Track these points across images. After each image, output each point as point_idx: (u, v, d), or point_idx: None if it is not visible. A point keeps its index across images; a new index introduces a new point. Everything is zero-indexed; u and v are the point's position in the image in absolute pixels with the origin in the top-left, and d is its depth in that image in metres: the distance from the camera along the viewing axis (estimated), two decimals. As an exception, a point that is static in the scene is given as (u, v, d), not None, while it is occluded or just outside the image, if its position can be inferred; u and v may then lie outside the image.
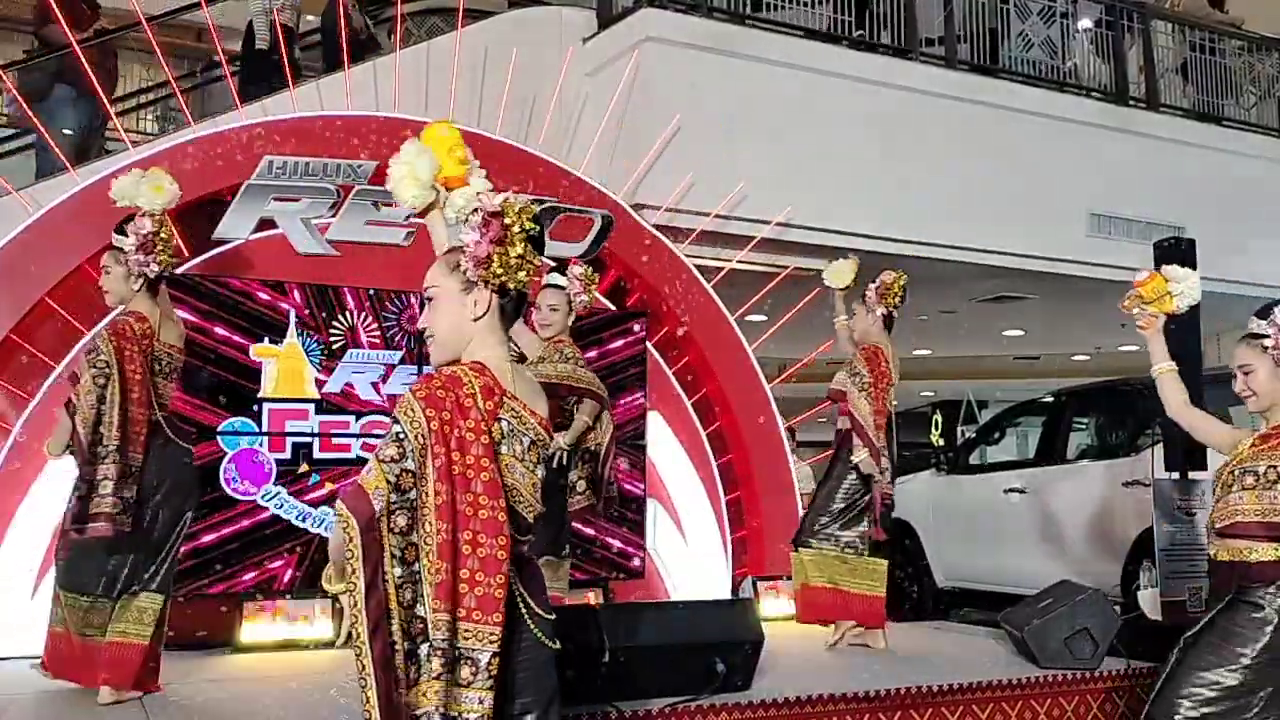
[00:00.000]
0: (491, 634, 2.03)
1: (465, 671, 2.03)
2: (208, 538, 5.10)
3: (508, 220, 2.15)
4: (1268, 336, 3.19)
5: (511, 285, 2.18)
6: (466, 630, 2.03)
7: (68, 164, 5.57)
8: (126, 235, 3.93)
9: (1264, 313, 3.25)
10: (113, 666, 3.84)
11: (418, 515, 2.04)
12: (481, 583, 2.03)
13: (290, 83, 6.18)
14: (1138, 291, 3.66)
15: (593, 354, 6.02)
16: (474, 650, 2.03)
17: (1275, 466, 3.12)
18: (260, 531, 5.24)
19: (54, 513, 4.17)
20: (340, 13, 6.67)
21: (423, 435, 2.04)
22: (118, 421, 3.79)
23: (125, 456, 3.81)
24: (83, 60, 5.91)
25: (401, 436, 2.03)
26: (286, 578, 5.26)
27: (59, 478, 4.18)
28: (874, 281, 5.13)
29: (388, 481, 2.01)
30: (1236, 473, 3.19)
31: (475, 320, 2.19)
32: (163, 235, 3.96)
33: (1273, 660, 3.10)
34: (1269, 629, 3.09)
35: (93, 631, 3.88)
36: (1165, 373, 3.58)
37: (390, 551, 2.01)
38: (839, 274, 5.36)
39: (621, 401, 6.10)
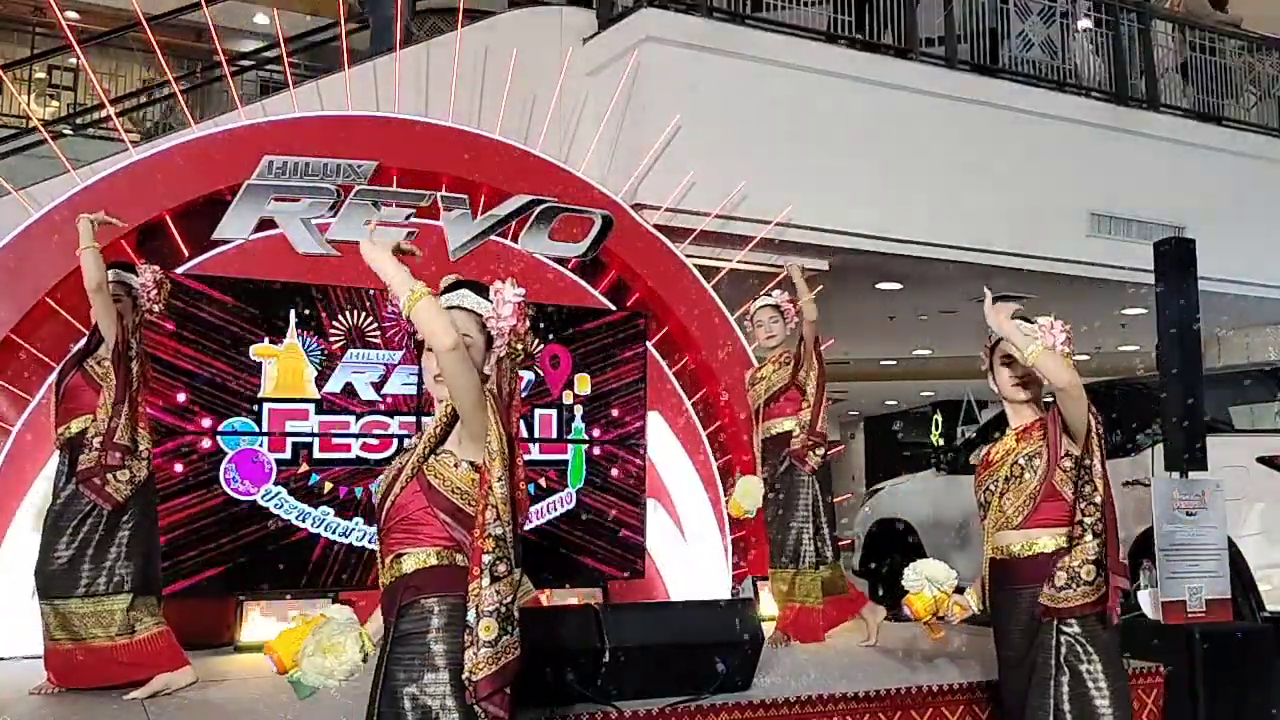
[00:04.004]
0: None
1: None
2: (208, 536, 5.10)
3: (529, 311, 2.65)
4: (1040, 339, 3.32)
5: (517, 356, 2.65)
6: None
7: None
8: (137, 274, 4.19)
9: (1030, 319, 3.37)
10: (151, 660, 3.96)
11: None
12: None
13: (290, 82, 6.19)
14: (923, 621, 3.65)
15: (594, 353, 6.04)
16: None
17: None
18: (260, 531, 5.24)
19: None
20: (341, 8, 6.67)
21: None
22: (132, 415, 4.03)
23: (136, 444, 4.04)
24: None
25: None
26: (287, 577, 5.26)
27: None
28: (783, 294, 5.37)
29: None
30: (1022, 460, 3.36)
31: (482, 375, 2.54)
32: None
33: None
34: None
35: (102, 636, 3.92)
36: (973, 597, 3.66)
37: None
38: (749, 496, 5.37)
39: (622, 401, 6.11)
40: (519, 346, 2.63)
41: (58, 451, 4.12)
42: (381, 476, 2.61)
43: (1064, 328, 3.35)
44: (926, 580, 3.59)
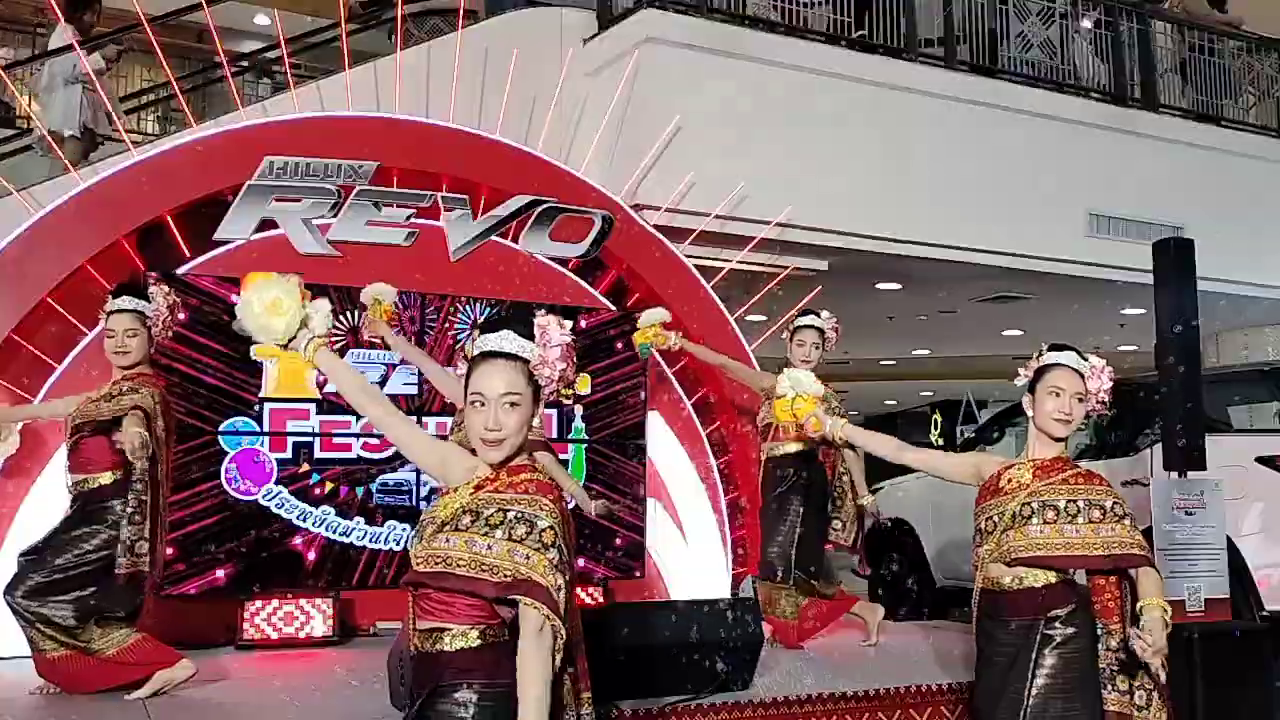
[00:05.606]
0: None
1: None
2: (209, 537, 5.13)
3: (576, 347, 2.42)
4: (1084, 377, 3.24)
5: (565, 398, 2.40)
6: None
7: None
8: (149, 300, 4.06)
9: (1084, 355, 3.30)
10: (146, 659, 3.94)
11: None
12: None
13: (291, 83, 6.20)
14: (787, 422, 3.78)
15: (594, 352, 6.05)
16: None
17: (1075, 501, 3.20)
18: (261, 531, 5.25)
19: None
20: (341, 8, 6.68)
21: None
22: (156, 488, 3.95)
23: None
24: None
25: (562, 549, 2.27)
26: (287, 577, 5.27)
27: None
28: (831, 318, 5.22)
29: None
30: (1035, 505, 3.22)
31: (531, 425, 2.38)
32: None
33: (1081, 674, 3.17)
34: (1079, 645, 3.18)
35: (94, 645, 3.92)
36: (852, 432, 3.75)
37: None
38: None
39: (622, 401, 6.12)
40: (567, 392, 2.43)
41: (69, 498, 4.03)
42: (425, 530, 2.37)
43: (1111, 375, 3.27)
44: (791, 385, 3.69)
